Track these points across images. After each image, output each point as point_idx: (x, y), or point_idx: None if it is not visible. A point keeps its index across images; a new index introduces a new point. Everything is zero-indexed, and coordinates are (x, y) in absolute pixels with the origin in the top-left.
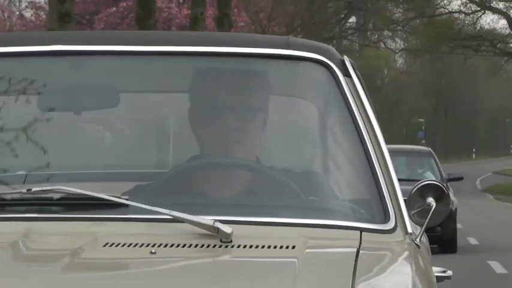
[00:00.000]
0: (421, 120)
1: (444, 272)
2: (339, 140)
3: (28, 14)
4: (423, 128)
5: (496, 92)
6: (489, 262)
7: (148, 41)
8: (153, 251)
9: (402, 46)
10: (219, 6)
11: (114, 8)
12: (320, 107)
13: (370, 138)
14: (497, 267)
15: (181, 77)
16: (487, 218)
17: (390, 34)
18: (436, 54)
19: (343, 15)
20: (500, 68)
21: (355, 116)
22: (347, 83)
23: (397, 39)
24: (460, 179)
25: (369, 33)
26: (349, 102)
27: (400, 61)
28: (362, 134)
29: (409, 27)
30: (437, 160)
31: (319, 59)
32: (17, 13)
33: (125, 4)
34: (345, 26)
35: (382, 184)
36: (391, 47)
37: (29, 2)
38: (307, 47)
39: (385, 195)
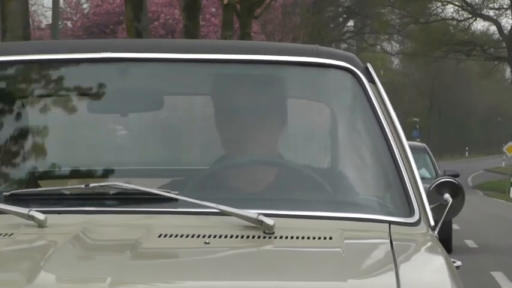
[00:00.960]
0: (416, 119)
1: (454, 262)
2: (365, 141)
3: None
4: (418, 127)
5: (488, 92)
6: (493, 273)
7: (188, 49)
8: (207, 241)
9: (398, 49)
10: (241, 26)
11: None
12: (347, 111)
13: (394, 138)
14: (503, 280)
15: (217, 82)
16: (477, 212)
17: (387, 37)
18: (429, 58)
19: (341, 20)
20: (490, 71)
21: (379, 118)
22: (372, 89)
23: (393, 42)
24: (456, 176)
25: (366, 36)
26: (374, 106)
27: (396, 62)
28: (386, 134)
29: (405, 32)
30: (432, 156)
31: (345, 66)
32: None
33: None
34: (343, 30)
35: (406, 181)
36: (388, 49)
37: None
38: (334, 55)
39: (409, 190)
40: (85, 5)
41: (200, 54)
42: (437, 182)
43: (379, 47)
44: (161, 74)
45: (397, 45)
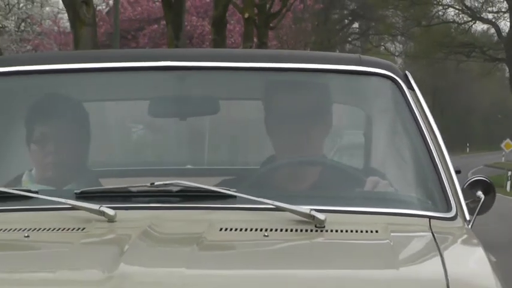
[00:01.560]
0: None
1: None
2: (406, 142)
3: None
4: None
5: (488, 90)
6: None
7: (242, 58)
8: (265, 234)
9: (401, 49)
10: (259, 37)
11: (156, 25)
12: (388, 114)
13: (432, 140)
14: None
15: (268, 88)
16: None
17: (390, 39)
18: (431, 59)
19: (347, 22)
20: (490, 72)
21: (418, 121)
22: (410, 94)
23: (396, 43)
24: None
25: (370, 37)
26: (413, 110)
27: (399, 62)
28: (425, 137)
29: (408, 34)
30: None
31: (386, 74)
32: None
33: (164, 22)
34: (348, 32)
35: (444, 179)
36: (391, 49)
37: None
38: (376, 64)
39: (446, 188)
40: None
41: (253, 63)
42: (471, 180)
43: (383, 47)
44: (217, 81)
45: (400, 45)
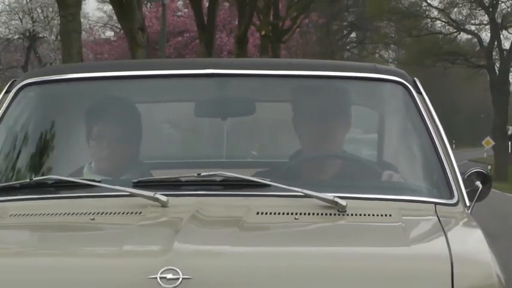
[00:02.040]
0: None
1: None
2: (415, 139)
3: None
4: None
5: (472, 92)
6: None
7: (274, 67)
8: (296, 217)
9: (394, 56)
10: (273, 50)
11: (180, 38)
12: (400, 115)
13: (437, 138)
14: None
15: (297, 92)
16: None
17: (384, 47)
18: (421, 65)
19: (345, 32)
20: (472, 77)
21: (425, 121)
22: (419, 98)
23: (389, 51)
24: None
25: (366, 45)
26: (421, 111)
27: (392, 67)
28: (431, 135)
29: (400, 43)
30: None
31: (398, 81)
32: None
33: (188, 34)
34: (347, 41)
35: (447, 171)
36: (385, 56)
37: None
38: (389, 72)
39: (450, 178)
40: None
41: (283, 70)
42: (470, 172)
43: (377, 55)
44: (253, 86)
45: (393, 53)
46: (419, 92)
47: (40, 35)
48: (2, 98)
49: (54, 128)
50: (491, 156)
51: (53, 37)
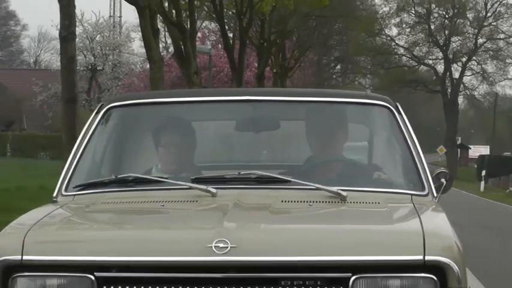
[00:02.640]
0: None
1: None
2: (396, 148)
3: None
4: None
5: (430, 111)
6: None
7: (292, 94)
8: (310, 204)
9: (370, 82)
10: (281, 83)
11: (207, 72)
12: (385, 130)
13: (413, 147)
14: None
15: (309, 112)
16: None
17: (362, 76)
18: (390, 91)
19: (332, 65)
20: (429, 100)
21: (404, 135)
22: (399, 117)
23: (366, 79)
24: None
25: (348, 75)
26: (401, 127)
27: (368, 92)
28: (409, 145)
29: (374, 73)
30: None
31: (384, 105)
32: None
33: (215, 68)
34: (333, 71)
35: (420, 171)
36: (363, 83)
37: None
38: (378, 98)
39: (422, 177)
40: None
41: (299, 97)
42: (437, 172)
43: (356, 82)
44: (277, 109)
45: (369, 80)
46: (399, 113)
47: (99, 68)
48: (93, 117)
49: (131, 139)
50: (444, 160)
51: (108, 69)
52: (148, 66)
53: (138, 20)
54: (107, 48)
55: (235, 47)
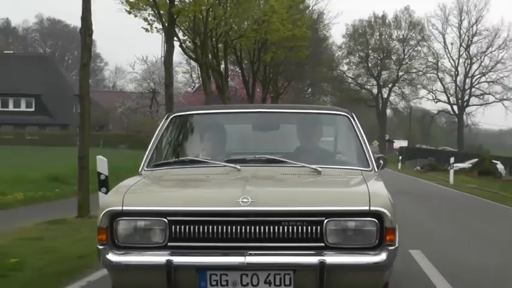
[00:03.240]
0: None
1: None
2: (352, 141)
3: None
4: None
5: (369, 118)
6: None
7: (288, 108)
8: (299, 175)
9: (329, 99)
10: (276, 102)
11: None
12: (345, 130)
13: (362, 140)
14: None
15: (298, 119)
16: None
17: (324, 96)
18: (343, 106)
19: (305, 88)
20: (368, 112)
21: (357, 133)
22: (354, 122)
23: (328, 97)
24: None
25: (316, 95)
26: (355, 129)
27: (329, 106)
28: (360, 140)
29: (333, 94)
30: None
31: (345, 114)
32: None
33: (232, 92)
34: (306, 92)
35: (367, 156)
36: (326, 100)
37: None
38: (340, 110)
39: (368, 159)
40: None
41: (292, 110)
42: (378, 156)
43: (321, 99)
44: (277, 117)
45: (329, 98)
46: (354, 119)
47: (157, 91)
48: (163, 122)
49: (187, 135)
50: (378, 150)
51: (162, 91)
52: (189, 89)
53: (180, 59)
54: (161, 77)
55: (249, 81)
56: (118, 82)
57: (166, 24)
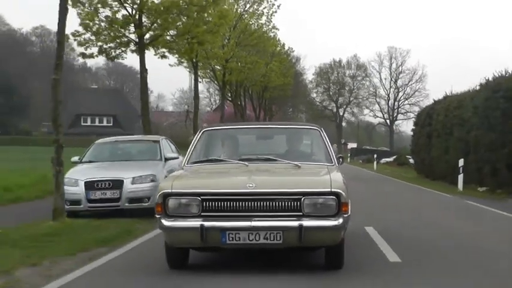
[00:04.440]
0: None
1: None
2: (321, 146)
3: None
4: None
5: (330, 130)
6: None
7: (279, 124)
8: (286, 169)
9: (304, 116)
10: (269, 119)
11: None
12: (317, 138)
13: (328, 146)
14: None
15: (287, 132)
16: None
17: (301, 114)
18: (314, 122)
19: (289, 109)
20: (329, 124)
21: (324, 140)
22: (322, 133)
23: (302, 115)
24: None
25: (295, 113)
26: (324, 138)
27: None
28: (326, 145)
29: (307, 112)
30: None
31: (317, 128)
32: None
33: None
34: (288, 111)
35: (331, 155)
36: (301, 116)
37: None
38: (314, 125)
39: (332, 157)
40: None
41: (282, 126)
42: (338, 156)
43: (299, 116)
44: (272, 130)
45: (303, 116)
46: (322, 131)
47: (190, 111)
48: (197, 134)
49: (213, 143)
50: (336, 150)
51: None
52: (208, 109)
53: (201, 87)
54: (191, 102)
55: (256, 108)
56: (161, 104)
57: (219, 87)
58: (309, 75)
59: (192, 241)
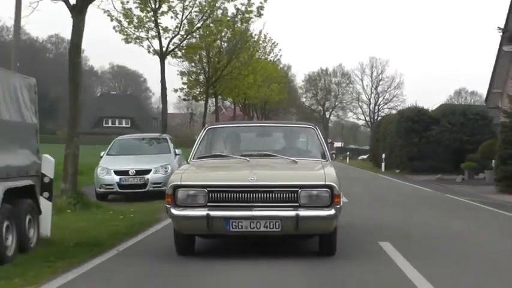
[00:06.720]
0: None
1: None
2: (315, 143)
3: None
4: None
5: (321, 130)
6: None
7: (277, 123)
8: (283, 163)
9: (295, 117)
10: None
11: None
12: (312, 136)
13: (323, 143)
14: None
15: (284, 130)
16: None
17: (293, 116)
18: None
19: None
20: (317, 125)
21: (319, 138)
22: (317, 131)
23: (294, 116)
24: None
25: (287, 115)
26: (318, 135)
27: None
28: (320, 142)
29: (298, 114)
30: None
31: (312, 126)
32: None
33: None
34: (282, 114)
35: (326, 152)
36: (293, 118)
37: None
38: (309, 124)
39: (326, 154)
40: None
41: (279, 124)
42: (331, 152)
43: (290, 118)
44: (272, 128)
45: (295, 117)
46: (317, 129)
47: (194, 113)
48: (202, 131)
49: (216, 139)
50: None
51: (197, 113)
52: (207, 111)
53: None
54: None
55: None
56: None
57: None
58: (299, 81)
59: (199, 228)
